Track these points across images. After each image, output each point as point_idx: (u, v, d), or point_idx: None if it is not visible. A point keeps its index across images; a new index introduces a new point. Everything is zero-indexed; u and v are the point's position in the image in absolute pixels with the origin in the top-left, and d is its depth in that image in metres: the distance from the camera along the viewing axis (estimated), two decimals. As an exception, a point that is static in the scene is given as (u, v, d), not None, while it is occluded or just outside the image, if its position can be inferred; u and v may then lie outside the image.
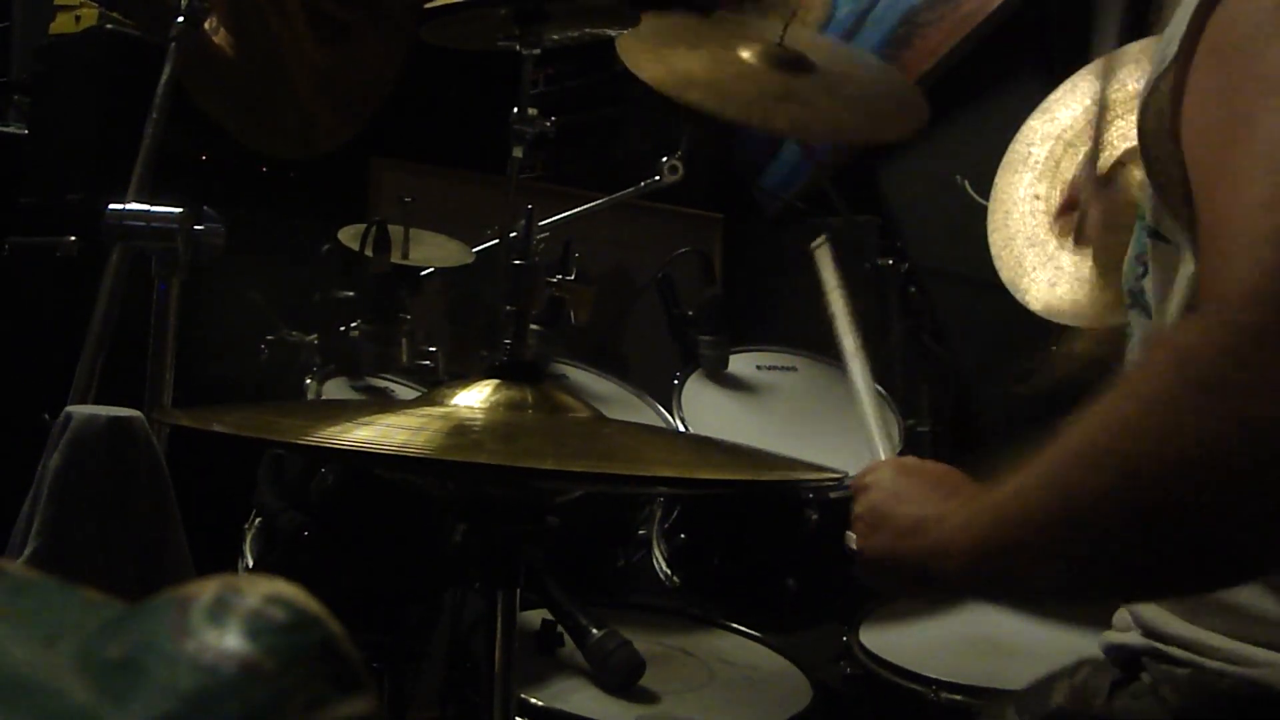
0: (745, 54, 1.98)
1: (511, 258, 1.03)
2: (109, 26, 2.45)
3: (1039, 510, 0.69)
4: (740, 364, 1.98)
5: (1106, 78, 1.47)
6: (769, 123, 2.00)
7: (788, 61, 1.98)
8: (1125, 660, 0.83)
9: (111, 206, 1.33)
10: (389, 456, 0.81)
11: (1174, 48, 0.75)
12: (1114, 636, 0.85)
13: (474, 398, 0.92)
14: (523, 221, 1.15)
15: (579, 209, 2.16)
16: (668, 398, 1.86)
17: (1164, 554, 0.64)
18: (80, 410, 1.09)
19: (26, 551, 1.05)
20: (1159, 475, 0.62)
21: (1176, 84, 0.75)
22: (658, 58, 1.91)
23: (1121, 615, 0.86)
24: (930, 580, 0.82)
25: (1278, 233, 0.62)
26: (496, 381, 0.94)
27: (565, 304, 1.84)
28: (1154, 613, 0.80)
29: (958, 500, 0.81)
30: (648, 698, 1.33)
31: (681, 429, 1.78)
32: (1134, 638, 0.82)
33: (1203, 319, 0.64)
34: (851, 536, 0.93)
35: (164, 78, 1.41)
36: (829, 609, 1.64)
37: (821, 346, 2.09)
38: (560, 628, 1.39)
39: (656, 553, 1.75)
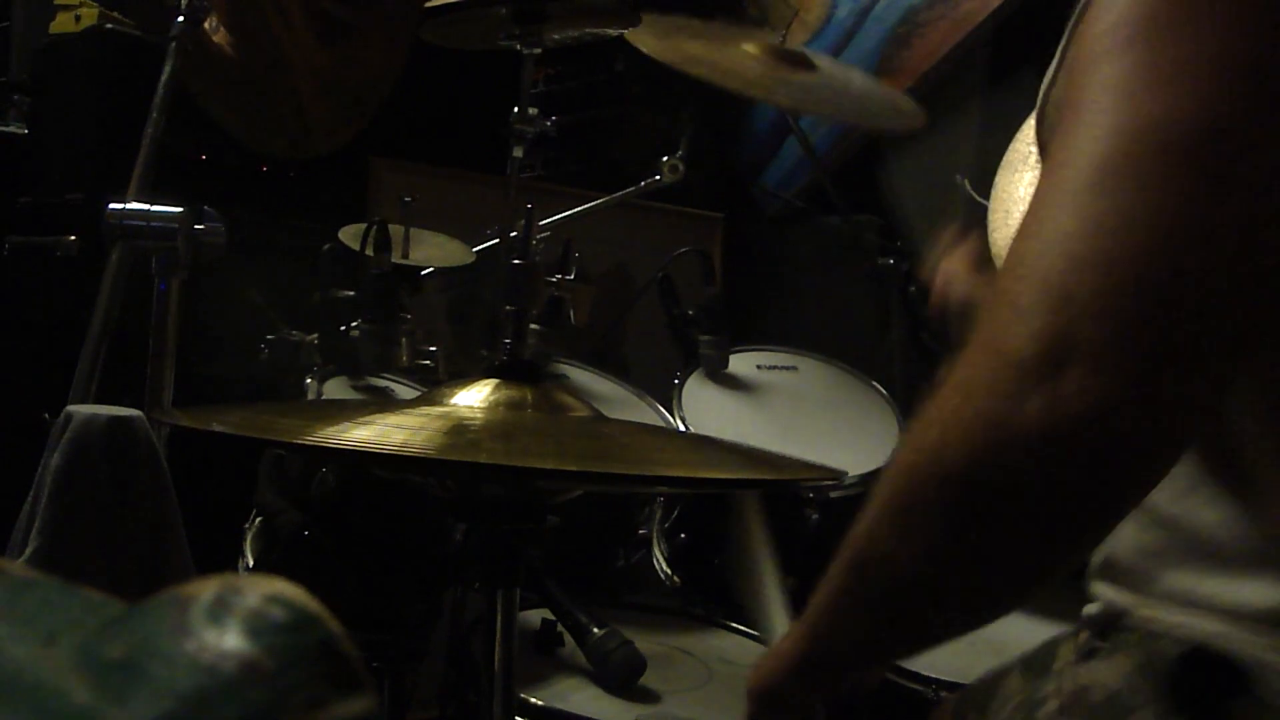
0: (747, 47, 1.99)
1: (511, 258, 1.03)
2: (109, 26, 2.46)
3: (861, 561, 0.74)
4: (740, 364, 1.98)
5: None
6: (771, 96, 2.00)
7: (789, 58, 1.98)
8: (1097, 628, 0.83)
9: (112, 206, 1.33)
10: (388, 456, 0.81)
11: (1065, 37, 0.76)
12: (1088, 608, 0.86)
13: (473, 397, 0.92)
14: (523, 221, 1.15)
15: (579, 209, 2.16)
16: (668, 398, 1.86)
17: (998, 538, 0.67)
18: (81, 410, 1.09)
19: (27, 550, 1.05)
20: (948, 495, 0.67)
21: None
22: (659, 36, 1.91)
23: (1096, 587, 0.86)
24: (792, 691, 0.84)
25: (1062, 270, 0.62)
26: (496, 381, 0.94)
27: (565, 304, 1.84)
28: (1126, 570, 0.81)
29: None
30: (647, 697, 1.33)
31: (681, 429, 1.78)
32: (1095, 607, 0.83)
33: (970, 348, 0.66)
34: None
35: (164, 77, 1.41)
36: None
37: (821, 346, 2.09)
38: (560, 627, 1.39)
39: (656, 552, 1.75)
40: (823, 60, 2.11)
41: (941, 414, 0.67)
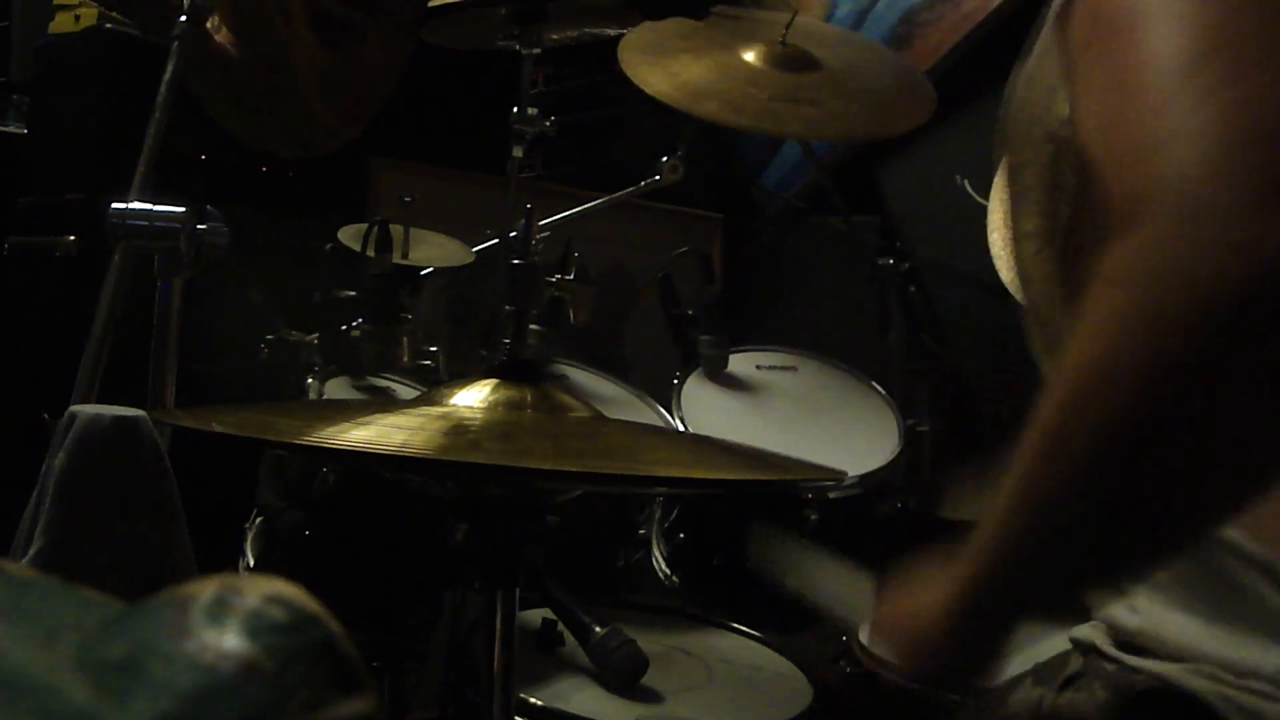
0: (748, 56, 1.98)
1: (511, 258, 1.03)
2: (108, 26, 2.45)
3: (1033, 503, 0.67)
4: (740, 364, 1.98)
5: None
6: (783, 128, 2.00)
7: (792, 60, 1.98)
8: (1082, 651, 0.83)
9: (114, 206, 1.33)
10: (388, 457, 0.82)
11: (1050, 22, 0.75)
12: (1075, 630, 0.84)
13: (473, 397, 0.92)
14: (522, 221, 1.15)
15: (579, 209, 2.16)
16: (668, 398, 1.86)
17: (1175, 486, 0.61)
18: (85, 410, 1.09)
19: (31, 550, 1.05)
20: (1153, 399, 0.59)
21: (1055, 62, 0.74)
22: (661, 69, 1.91)
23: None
24: (961, 643, 0.77)
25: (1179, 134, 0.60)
26: (496, 381, 0.94)
27: (565, 304, 1.84)
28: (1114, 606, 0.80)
29: (947, 569, 0.77)
30: (648, 697, 1.33)
31: (681, 429, 1.78)
32: (1083, 630, 0.82)
33: (1120, 236, 0.61)
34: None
35: (167, 76, 1.41)
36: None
37: (821, 346, 2.09)
38: (561, 626, 1.40)
39: (656, 552, 1.75)
40: (829, 38, 2.10)
41: (1101, 319, 0.61)
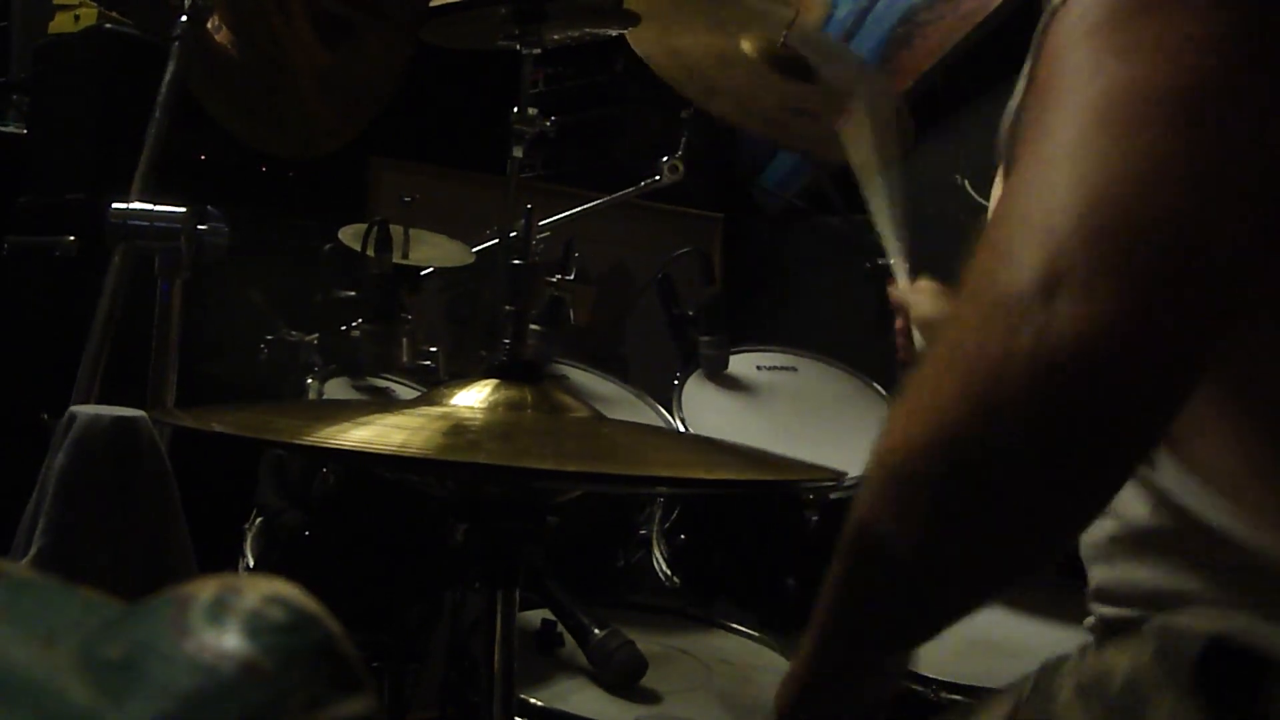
0: (746, 46, 1.98)
1: (511, 258, 1.03)
2: (108, 26, 2.46)
3: (861, 549, 0.73)
4: (740, 364, 1.97)
5: None
6: (788, 141, 2.01)
7: (789, 64, 1.98)
8: (1102, 633, 0.83)
9: (114, 206, 1.33)
10: (387, 457, 0.82)
11: (1027, 64, 0.77)
12: (1087, 621, 0.86)
13: (473, 398, 0.92)
14: (522, 221, 1.15)
15: (579, 209, 2.16)
16: (668, 398, 1.86)
17: (999, 514, 0.66)
18: (85, 410, 1.09)
19: (32, 551, 1.05)
20: (961, 458, 0.65)
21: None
22: (661, 44, 1.90)
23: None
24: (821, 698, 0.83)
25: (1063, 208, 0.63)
26: (496, 381, 0.94)
27: (565, 304, 1.84)
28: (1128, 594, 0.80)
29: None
30: (647, 697, 1.33)
31: (681, 429, 1.78)
32: (1097, 608, 0.83)
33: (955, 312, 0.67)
34: None
35: (167, 77, 1.41)
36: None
37: (821, 346, 2.09)
38: (561, 627, 1.40)
39: (656, 553, 1.75)
40: (824, 49, 2.10)
41: (929, 377, 0.66)
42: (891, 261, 1.72)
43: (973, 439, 0.63)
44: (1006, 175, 0.83)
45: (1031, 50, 0.76)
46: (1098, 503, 0.69)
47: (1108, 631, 0.81)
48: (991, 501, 0.65)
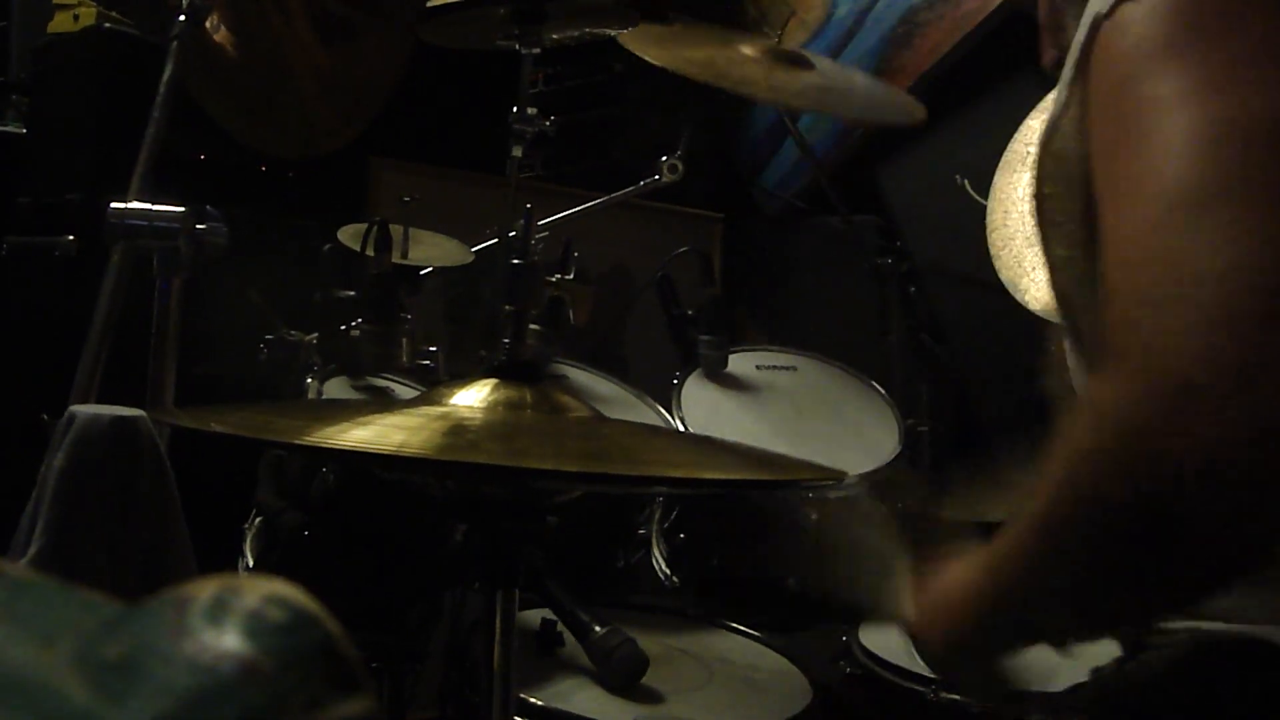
0: (746, 49, 1.98)
1: (511, 258, 1.02)
2: (107, 26, 2.45)
3: (1025, 554, 0.73)
4: (740, 364, 1.97)
5: None
6: (776, 96, 2.00)
7: (787, 59, 1.98)
8: (1131, 640, 0.83)
9: (113, 206, 1.33)
10: (387, 456, 0.81)
11: (1069, 74, 0.75)
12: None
13: (473, 397, 0.92)
14: (522, 221, 1.15)
15: (578, 209, 2.16)
16: (667, 398, 1.86)
17: (1153, 584, 0.67)
18: (84, 410, 1.09)
19: (31, 551, 1.05)
20: (1108, 523, 0.65)
21: (1080, 116, 0.74)
22: (660, 46, 1.91)
23: None
24: (971, 646, 0.83)
25: (1156, 281, 0.62)
26: (495, 381, 0.94)
27: (565, 304, 1.84)
28: None
29: (967, 566, 0.83)
30: (647, 697, 1.33)
31: (681, 429, 1.78)
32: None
33: (1113, 377, 0.65)
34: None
35: (166, 76, 1.41)
36: (829, 609, 1.64)
37: (821, 346, 2.09)
38: (561, 626, 1.39)
39: (656, 553, 1.75)
40: (822, 62, 2.11)
41: (1089, 448, 0.66)
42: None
43: (1137, 516, 0.63)
44: (1041, 197, 0.82)
45: (1075, 63, 0.74)
46: (1247, 572, 0.68)
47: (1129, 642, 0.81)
48: (1146, 576, 0.66)
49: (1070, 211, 0.78)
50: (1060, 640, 0.80)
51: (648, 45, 1.87)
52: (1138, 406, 0.63)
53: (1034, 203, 0.83)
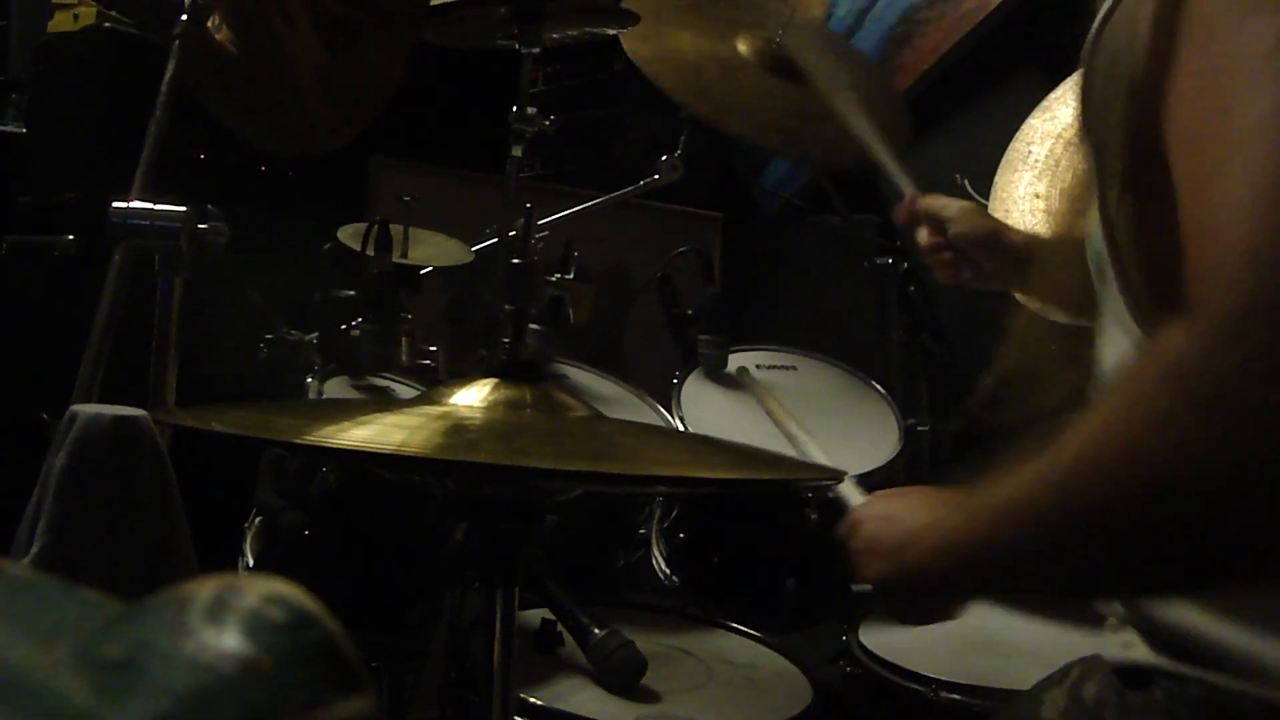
0: (741, 48, 1.98)
1: (510, 257, 1.02)
2: (107, 25, 2.45)
3: (1036, 514, 0.70)
4: (740, 364, 1.97)
5: None
6: (799, 148, 2.00)
7: (783, 63, 1.98)
8: (1135, 675, 0.82)
9: (115, 205, 1.33)
10: (387, 456, 0.81)
11: (1142, 28, 0.72)
12: (1116, 651, 0.84)
13: (473, 397, 0.92)
14: (521, 220, 1.15)
15: (578, 208, 2.16)
16: (668, 398, 1.86)
17: (1169, 561, 0.65)
18: (85, 409, 1.09)
19: (33, 550, 1.05)
20: (1162, 491, 0.62)
21: (1151, 76, 0.71)
22: (659, 49, 1.90)
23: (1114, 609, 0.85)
24: (935, 586, 0.83)
25: (1263, 232, 0.60)
26: (495, 381, 0.94)
27: (565, 304, 1.84)
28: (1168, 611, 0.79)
29: (948, 507, 0.82)
30: (647, 697, 1.33)
31: (681, 429, 1.78)
32: (1143, 654, 0.81)
33: (1193, 329, 0.62)
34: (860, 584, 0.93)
35: (167, 76, 1.41)
36: (829, 609, 1.64)
37: (821, 346, 2.09)
38: (560, 627, 1.40)
39: (656, 553, 1.75)
40: (820, 55, 2.10)
41: (1128, 401, 0.64)
42: (891, 173, 1.58)
43: (1162, 463, 0.62)
44: (1090, 131, 0.79)
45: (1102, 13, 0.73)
46: None
47: (1129, 677, 0.81)
48: (1173, 533, 0.63)
49: (1119, 145, 0.75)
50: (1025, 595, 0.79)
51: (637, 41, 1.87)
52: (1211, 367, 0.60)
53: (1089, 152, 0.80)
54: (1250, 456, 0.59)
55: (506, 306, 0.99)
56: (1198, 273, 0.63)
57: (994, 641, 1.46)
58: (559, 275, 1.85)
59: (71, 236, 2.25)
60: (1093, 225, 0.81)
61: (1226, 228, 0.62)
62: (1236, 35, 0.65)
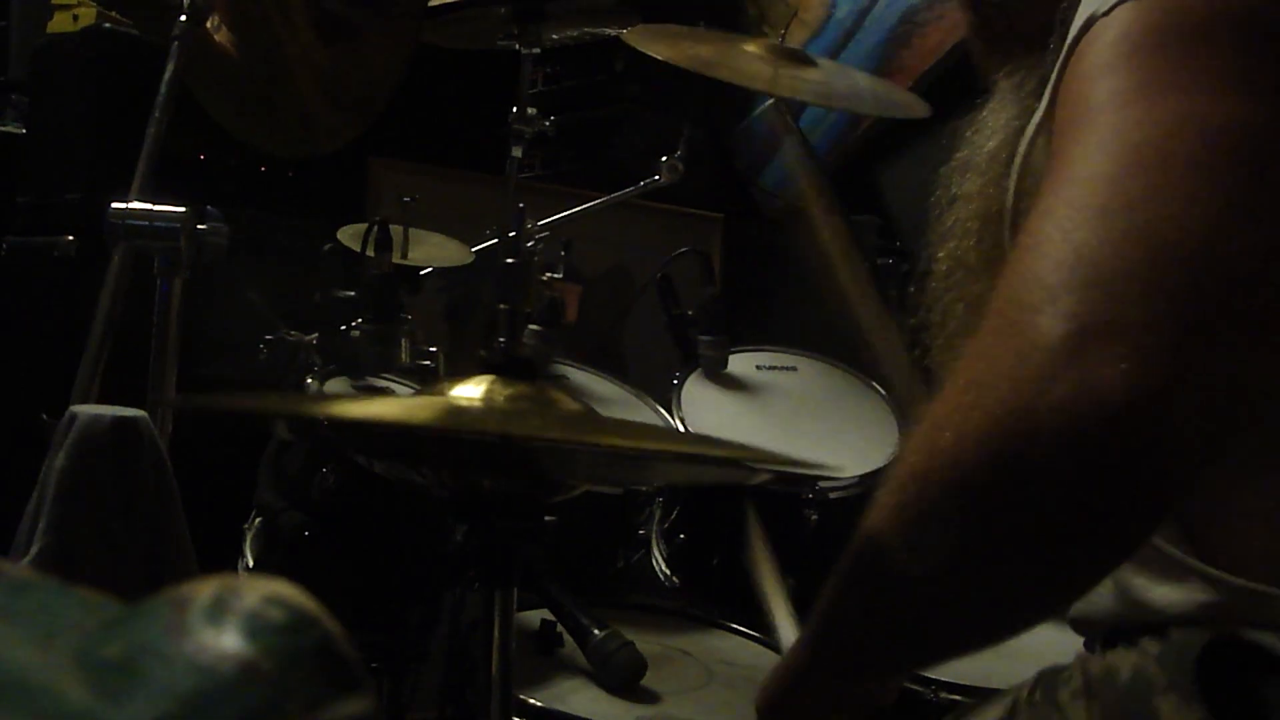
0: (748, 47, 1.99)
1: (505, 257, 1.03)
2: (106, 25, 2.46)
3: (852, 590, 0.73)
4: (740, 364, 1.97)
5: None
6: (793, 92, 1.99)
7: (789, 57, 1.98)
8: (1103, 635, 0.82)
9: (114, 206, 1.33)
10: (389, 436, 0.81)
11: (1046, 99, 0.73)
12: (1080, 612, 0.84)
13: (470, 393, 0.92)
14: (514, 220, 1.15)
15: (578, 209, 2.16)
16: (667, 398, 1.86)
17: (1015, 553, 0.64)
18: (85, 410, 1.09)
19: (33, 551, 1.05)
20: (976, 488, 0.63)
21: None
22: (664, 43, 1.91)
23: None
24: (824, 699, 0.81)
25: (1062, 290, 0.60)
26: (492, 378, 0.94)
27: (562, 303, 1.84)
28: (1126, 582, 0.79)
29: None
30: (647, 698, 1.33)
31: (681, 429, 1.78)
32: (1102, 608, 0.81)
33: (987, 342, 0.63)
34: None
35: (167, 76, 1.41)
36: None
37: (821, 346, 2.09)
38: (560, 628, 1.39)
39: (656, 553, 1.75)
40: (823, 61, 2.11)
41: (952, 413, 0.63)
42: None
43: (996, 486, 0.61)
44: (1021, 200, 0.81)
45: (1049, 88, 0.74)
46: (1129, 551, 0.66)
47: (1110, 637, 0.80)
48: (1010, 552, 0.62)
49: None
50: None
51: (651, 42, 1.87)
52: (1000, 367, 0.61)
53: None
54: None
55: (500, 305, 0.99)
56: (1004, 282, 0.64)
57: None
58: (548, 274, 1.85)
59: (71, 237, 2.25)
60: None
61: (1056, 237, 0.63)
62: (1096, 86, 0.66)
